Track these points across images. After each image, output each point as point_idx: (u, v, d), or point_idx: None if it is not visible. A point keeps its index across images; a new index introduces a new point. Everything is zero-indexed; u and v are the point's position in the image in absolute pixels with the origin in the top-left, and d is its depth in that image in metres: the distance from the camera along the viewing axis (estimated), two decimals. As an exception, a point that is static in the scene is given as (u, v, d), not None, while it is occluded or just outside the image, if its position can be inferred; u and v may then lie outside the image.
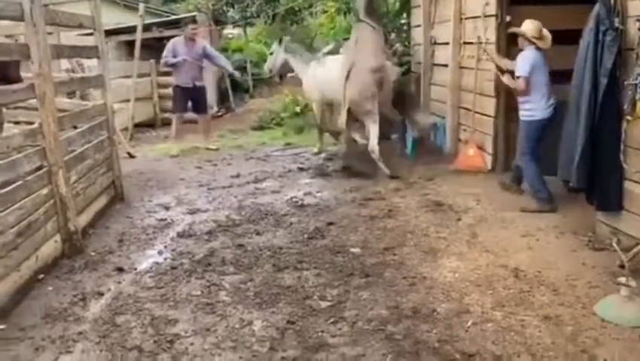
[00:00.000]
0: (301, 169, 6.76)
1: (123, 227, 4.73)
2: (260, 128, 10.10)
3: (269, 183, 6.15)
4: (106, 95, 5.24)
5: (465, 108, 6.66)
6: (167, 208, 5.30)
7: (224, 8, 12.85)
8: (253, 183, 6.16)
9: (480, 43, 6.02)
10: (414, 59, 8.52)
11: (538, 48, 4.69)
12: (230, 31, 16.43)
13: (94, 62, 5.87)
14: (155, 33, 11.13)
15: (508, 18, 5.64)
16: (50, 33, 7.24)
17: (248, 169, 6.86)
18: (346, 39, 11.14)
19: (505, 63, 5.21)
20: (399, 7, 9.79)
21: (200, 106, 8.10)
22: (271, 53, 8.07)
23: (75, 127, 5.00)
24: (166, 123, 10.28)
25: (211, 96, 11.84)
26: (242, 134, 9.56)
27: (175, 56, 7.65)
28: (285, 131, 9.51)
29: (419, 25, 8.02)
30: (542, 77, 4.70)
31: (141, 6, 10.38)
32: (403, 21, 9.76)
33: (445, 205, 5.05)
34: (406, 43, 9.27)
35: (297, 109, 10.46)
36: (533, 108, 4.74)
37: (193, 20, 11.48)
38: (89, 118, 4.88)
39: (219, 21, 12.84)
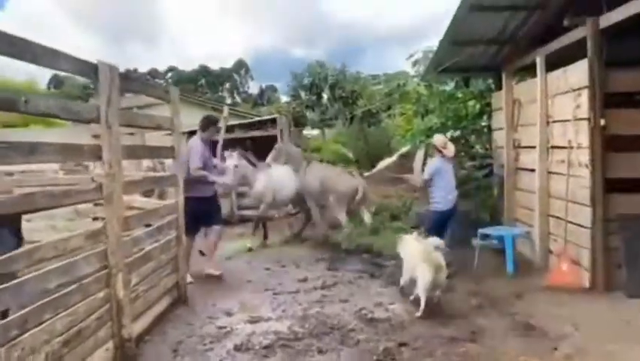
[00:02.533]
0: (373, 276, 6.32)
1: (181, 334, 4.46)
2: (333, 227, 9.83)
3: (337, 290, 5.75)
4: (179, 195, 5.24)
5: (556, 217, 6.06)
6: (229, 314, 5.01)
7: (304, 111, 13.27)
8: (320, 290, 5.78)
9: (571, 147, 5.57)
10: (496, 162, 8.12)
11: (443, 156, 6.30)
12: (309, 132, 16.95)
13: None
14: (238, 134, 11.59)
15: (603, 122, 5.19)
16: (131, 134, 7.76)
17: (317, 272, 6.53)
18: (422, 141, 11.06)
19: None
20: (479, 110, 9.60)
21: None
22: None
23: (149, 225, 5.01)
24: (243, 220, 10.39)
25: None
26: (312, 233, 9.32)
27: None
28: (361, 231, 9.17)
29: (500, 128, 7.71)
30: (445, 179, 6.28)
31: (226, 108, 10.91)
32: (483, 123, 9.51)
33: (537, 329, 4.38)
34: (487, 146, 8.94)
35: (373, 208, 10.17)
36: (437, 202, 6.28)
37: (272, 121, 11.93)
38: (159, 217, 4.83)
39: (299, 123, 13.27)
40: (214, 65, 65.72)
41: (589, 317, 4.61)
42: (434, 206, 6.34)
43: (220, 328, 4.63)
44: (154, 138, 8.04)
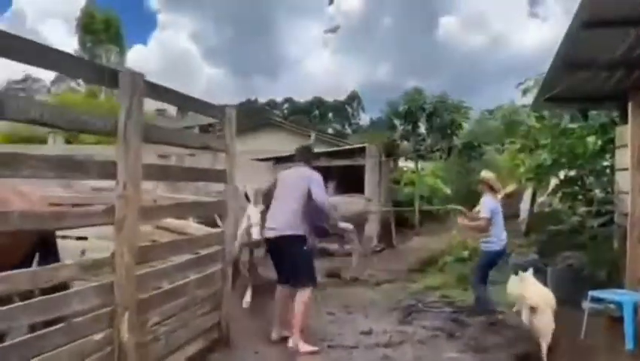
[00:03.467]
0: (450, 336, 5.29)
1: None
2: (419, 270, 8.83)
3: (403, 351, 4.81)
4: (227, 223, 4.69)
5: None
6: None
7: (398, 141, 12.44)
8: (383, 348, 4.88)
9: None
10: (618, 209, 6.70)
11: (495, 193, 6.02)
12: (406, 163, 16.00)
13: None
14: (322, 162, 11.05)
15: None
16: (192, 155, 7.48)
17: (386, 325, 5.63)
18: (530, 179, 9.71)
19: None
20: (599, 147, 8.14)
21: None
22: None
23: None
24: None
25: (374, 230, 11.12)
26: (394, 277, 8.40)
27: None
28: (446, 279, 8.07)
29: (625, 169, 6.32)
30: (500, 218, 5.90)
31: (313, 135, 10.47)
32: (605, 163, 8.06)
33: None
34: (608, 190, 7.51)
35: (465, 253, 9.00)
36: (493, 242, 5.85)
37: (361, 150, 11.25)
38: (199, 247, 4.29)
39: (392, 153, 12.46)
40: (329, 97, 67.13)
41: None
42: (490, 246, 5.90)
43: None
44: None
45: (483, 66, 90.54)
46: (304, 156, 5.48)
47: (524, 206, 11.46)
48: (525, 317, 4.70)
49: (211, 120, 7.97)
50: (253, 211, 5.76)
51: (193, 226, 5.37)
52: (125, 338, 3.18)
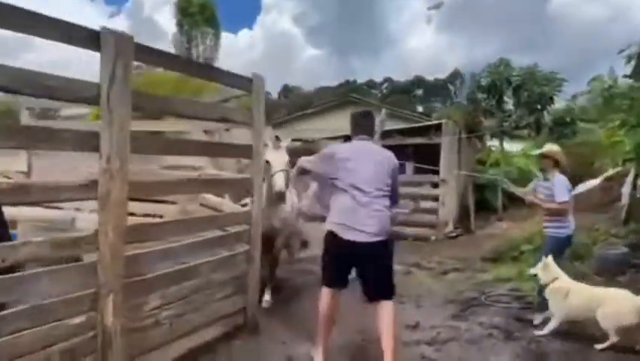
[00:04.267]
0: (508, 336, 4.59)
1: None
2: (493, 260, 7.99)
3: (447, 351, 4.23)
4: (255, 203, 4.35)
5: None
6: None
7: (480, 117, 11.39)
8: (426, 345, 4.34)
9: None
10: None
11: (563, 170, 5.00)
12: (495, 143, 14.75)
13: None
14: (396, 140, 10.39)
15: None
16: (227, 130, 7.14)
17: (435, 319, 5.04)
18: (631, 160, 8.44)
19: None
20: None
21: None
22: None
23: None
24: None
25: (450, 213, 10.35)
26: (464, 265, 7.66)
27: None
28: (521, 269, 7.19)
29: None
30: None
31: (383, 110, 9.82)
32: None
33: None
34: None
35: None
36: (566, 225, 4.95)
37: (437, 127, 10.44)
38: (214, 227, 3.99)
39: (474, 130, 11.46)
40: (430, 77, 64.78)
41: None
42: (561, 232, 4.96)
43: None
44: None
45: (600, 42, 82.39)
46: (369, 126, 4.13)
47: (626, 190, 10.04)
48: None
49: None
50: (273, 156, 4.80)
51: (228, 205, 5.09)
52: (109, 322, 2.96)
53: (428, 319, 5.04)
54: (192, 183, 4.10)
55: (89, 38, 2.83)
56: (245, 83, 4.25)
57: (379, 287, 3.77)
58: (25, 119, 8.01)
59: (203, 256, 3.88)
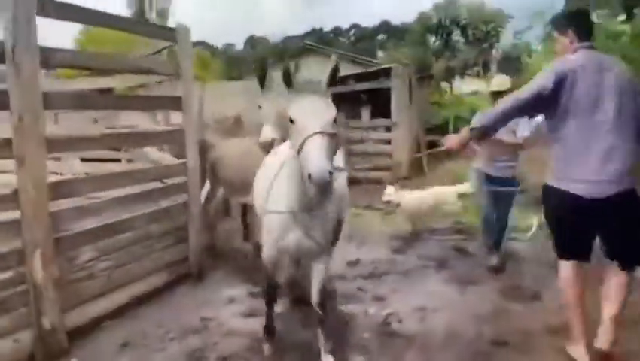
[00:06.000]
0: (441, 265, 4.88)
1: (152, 323, 3.68)
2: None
3: (380, 283, 4.49)
4: (189, 154, 4.41)
5: None
6: (231, 301, 4.13)
7: (431, 60, 11.46)
8: (362, 279, 4.57)
9: None
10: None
11: None
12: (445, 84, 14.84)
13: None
14: (353, 86, 10.40)
15: None
16: (159, 82, 7.15)
17: (378, 254, 5.30)
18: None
19: None
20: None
21: None
22: None
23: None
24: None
25: (403, 156, 10.55)
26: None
27: None
28: (464, 204, 7.48)
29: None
30: None
31: (333, 55, 9.80)
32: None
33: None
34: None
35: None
36: None
37: (387, 72, 10.49)
38: (142, 180, 4.03)
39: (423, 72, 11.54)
40: (397, 21, 63.55)
41: None
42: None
43: (203, 319, 3.76)
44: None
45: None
46: None
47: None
48: None
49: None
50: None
51: (167, 159, 5.15)
52: (39, 276, 3.05)
53: (368, 255, 5.27)
54: (115, 138, 4.12)
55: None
56: (168, 33, 4.22)
57: (629, 250, 2.83)
58: None
59: (139, 208, 3.96)
